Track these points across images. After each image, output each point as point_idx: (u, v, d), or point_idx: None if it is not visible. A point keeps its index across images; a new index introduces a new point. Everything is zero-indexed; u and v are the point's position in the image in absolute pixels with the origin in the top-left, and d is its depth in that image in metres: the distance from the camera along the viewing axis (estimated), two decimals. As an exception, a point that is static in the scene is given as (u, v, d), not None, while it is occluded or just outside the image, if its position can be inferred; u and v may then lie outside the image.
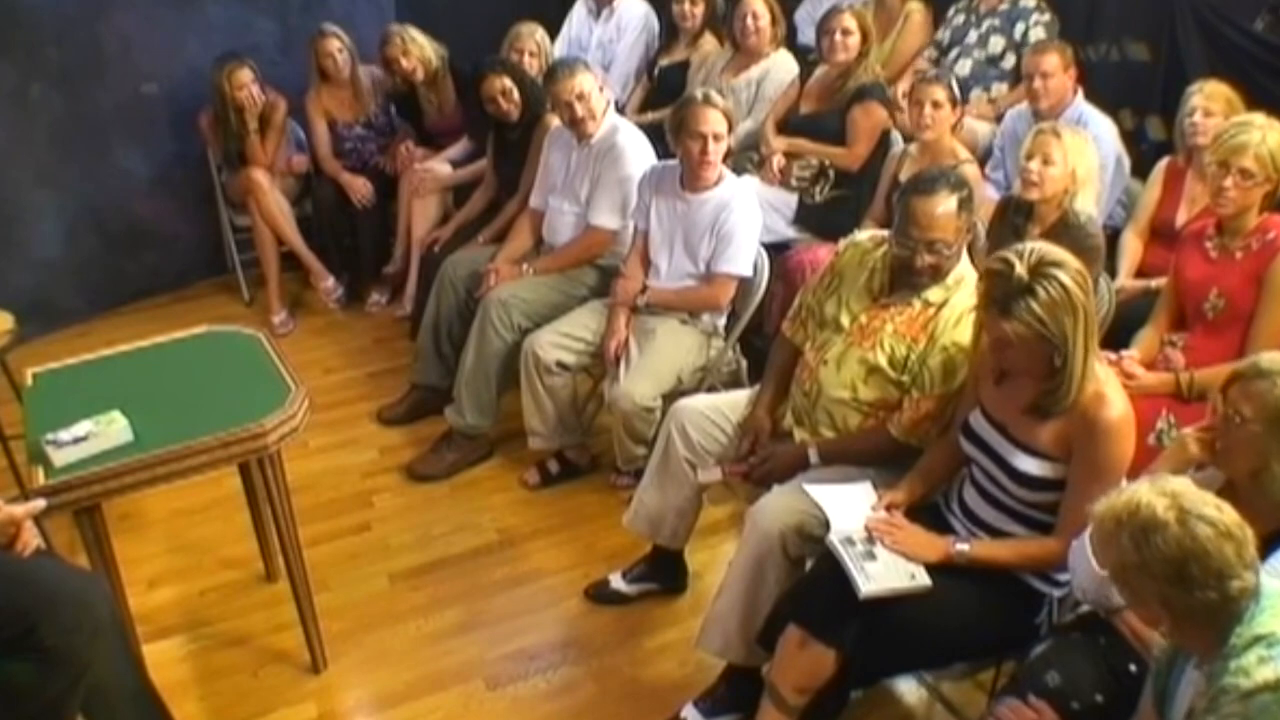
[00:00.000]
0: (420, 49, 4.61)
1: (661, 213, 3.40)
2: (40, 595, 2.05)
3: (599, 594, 3.10)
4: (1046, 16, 4.32)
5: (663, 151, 3.60)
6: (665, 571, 3.09)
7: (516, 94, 3.99)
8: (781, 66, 4.42)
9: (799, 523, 2.43)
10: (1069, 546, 2.07)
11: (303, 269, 4.88)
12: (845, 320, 2.67)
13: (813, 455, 2.65)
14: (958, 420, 2.40)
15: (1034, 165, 3.08)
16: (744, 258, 3.31)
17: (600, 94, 3.65)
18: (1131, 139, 4.00)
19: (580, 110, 3.59)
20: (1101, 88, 3.99)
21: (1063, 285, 2.04)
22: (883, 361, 2.59)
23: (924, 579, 2.19)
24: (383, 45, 4.63)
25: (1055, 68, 3.70)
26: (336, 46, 4.68)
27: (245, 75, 4.52)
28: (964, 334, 2.47)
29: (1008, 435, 2.23)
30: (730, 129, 3.27)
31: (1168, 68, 4.06)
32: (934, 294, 2.57)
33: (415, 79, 4.68)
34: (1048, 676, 2.02)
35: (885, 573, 2.19)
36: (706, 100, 3.21)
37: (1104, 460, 2.11)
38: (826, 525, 2.32)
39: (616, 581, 3.10)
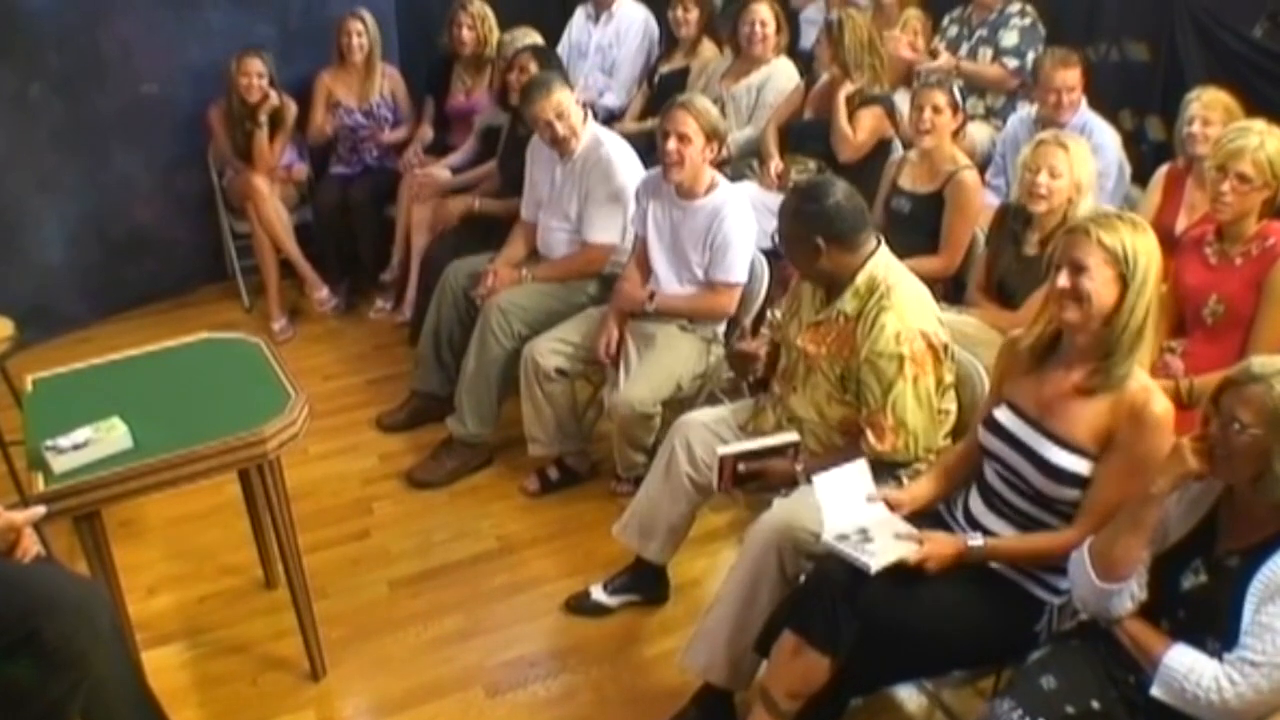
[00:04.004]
0: (484, 30, 4.70)
1: (658, 218, 3.40)
2: (40, 601, 2.06)
3: (579, 605, 3.08)
4: (1027, 21, 4.34)
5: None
6: (647, 583, 3.08)
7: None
8: (782, 73, 4.43)
9: (797, 541, 2.43)
10: (1084, 538, 2.07)
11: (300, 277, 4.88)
12: (799, 343, 2.67)
13: (800, 478, 2.63)
14: (978, 418, 2.39)
15: (1042, 179, 3.07)
16: (740, 265, 3.30)
17: (578, 106, 3.60)
18: (1131, 139, 4.01)
19: (561, 129, 3.54)
20: (1102, 88, 4.00)
21: (1145, 228, 2.13)
22: (830, 387, 2.60)
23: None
24: (460, 6, 4.72)
25: (1077, 81, 3.73)
26: (358, 29, 4.77)
27: (255, 64, 4.55)
28: (881, 342, 2.46)
29: (1041, 428, 2.22)
30: (708, 133, 3.20)
31: (1167, 68, 4.07)
32: (849, 305, 2.55)
33: (461, 52, 4.75)
34: (1043, 680, 2.02)
35: (886, 549, 2.22)
36: (682, 103, 3.23)
37: (1146, 452, 2.10)
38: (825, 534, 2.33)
39: (597, 593, 3.08)
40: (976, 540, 2.25)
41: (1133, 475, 2.08)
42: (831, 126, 4.00)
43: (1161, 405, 2.12)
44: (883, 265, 2.56)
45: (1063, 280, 2.14)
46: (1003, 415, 2.30)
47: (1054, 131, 3.27)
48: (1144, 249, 2.10)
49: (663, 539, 2.94)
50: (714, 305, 3.37)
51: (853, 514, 2.34)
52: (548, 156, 3.71)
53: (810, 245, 2.52)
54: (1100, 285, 2.10)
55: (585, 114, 3.66)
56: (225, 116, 4.70)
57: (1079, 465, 2.17)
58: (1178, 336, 3.02)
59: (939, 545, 2.22)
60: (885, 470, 2.55)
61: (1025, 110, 4.06)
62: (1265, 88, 3.65)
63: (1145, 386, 2.14)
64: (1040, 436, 2.22)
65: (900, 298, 2.49)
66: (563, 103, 3.53)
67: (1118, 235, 2.10)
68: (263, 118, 4.61)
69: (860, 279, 2.54)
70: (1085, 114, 3.79)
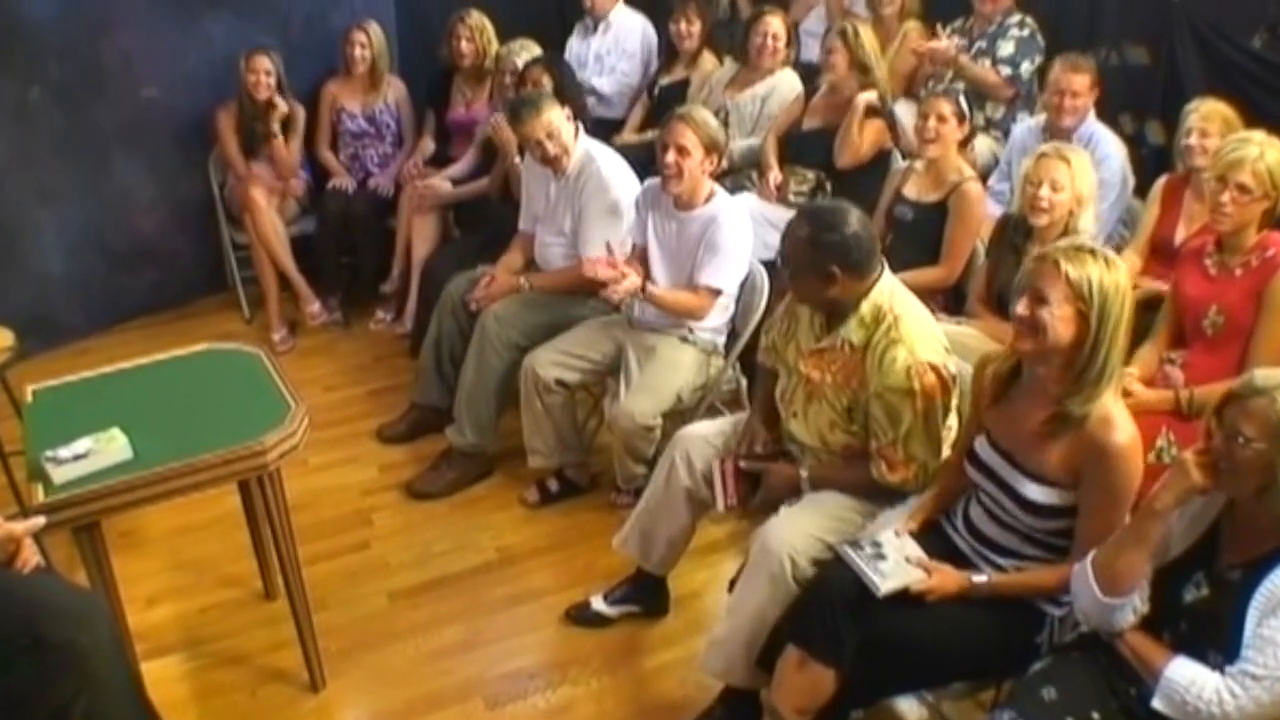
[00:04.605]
0: (483, 42, 4.71)
1: (658, 228, 3.39)
2: (40, 610, 2.05)
3: (579, 615, 3.08)
4: (1025, 32, 4.35)
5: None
6: (648, 594, 3.07)
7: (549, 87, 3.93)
8: (786, 83, 4.45)
9: (806, 546, 2.43)
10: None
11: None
12: (802, 368, 2.64)
13: (805, 485, 2.63)
14: (963, 446, 2.39)
15: (1044, 192, 3.07)
16: (726, 273, 3.27)
17: (568, 123, 3.58)
18: (1131, 143, 4.01)
19: (553, 148, 3.53)
20: (1102, 92, 3.99)
21: (1117, 266, 2.08)
22: (834, 416, 2.58)
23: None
24: (458, 19, 4.73)
25: (1084, 87, 3.71)
26: (361, 40, 4.80)
27: (263, 63, 4.58)
28: (892, 377, 2.42)
29: (1014, 463, 2.22)
30: (707, 146, 3.19)
31: (1167, 73, 4.07)
32: (855, 335, 2.50)
33: (461, 64, 4.76)
34: (1044, 691, 2.02)
35: (896, 570, 2.23)
36: (681, 116, 3.22)
37: (1115, 484, 2.10)
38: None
39: (597, 603, 3.07)
40: (981, 577, 2.25)
41: (1113, 507, 2.09)
42: (839, 132, 4.01)
43: (1124, 435, 2.09)
44: (887, 292, 2.51)
45: (1021, 308, 2.11)
46: (981, 448, 2.30)
47: (1056, 144, 3.26)
48: (1112, 288, 2.06)
49: (663, 551, 2.94)
50: (691, 305, 3.31)
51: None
52: (541, 172, 3.71)
53: (824, 274, 2.46)
54: (1058, 319, 2.07)
55: (576, 130, 3.64)
56: (235, 117, 4.72)
57: (1055, 498, 2.17)
58: (1177, 347, 3.02)
59: (944, 579, 2.22)
60: (893, 491, 2.56)
61: (1032, 119, 4.06)
62: (1264, 99, 3.65)
63: (1104, 419, 2.10)
64: (1014, 471, 2.22)
65: (908, 329, 2.45)
66: (553, 122, 3.51)
67: (1085, 271, 2.05)
68: (275, 126, 4.63)
69: (865, 307, 2.49)
70: (1092, 125, 3.77)
